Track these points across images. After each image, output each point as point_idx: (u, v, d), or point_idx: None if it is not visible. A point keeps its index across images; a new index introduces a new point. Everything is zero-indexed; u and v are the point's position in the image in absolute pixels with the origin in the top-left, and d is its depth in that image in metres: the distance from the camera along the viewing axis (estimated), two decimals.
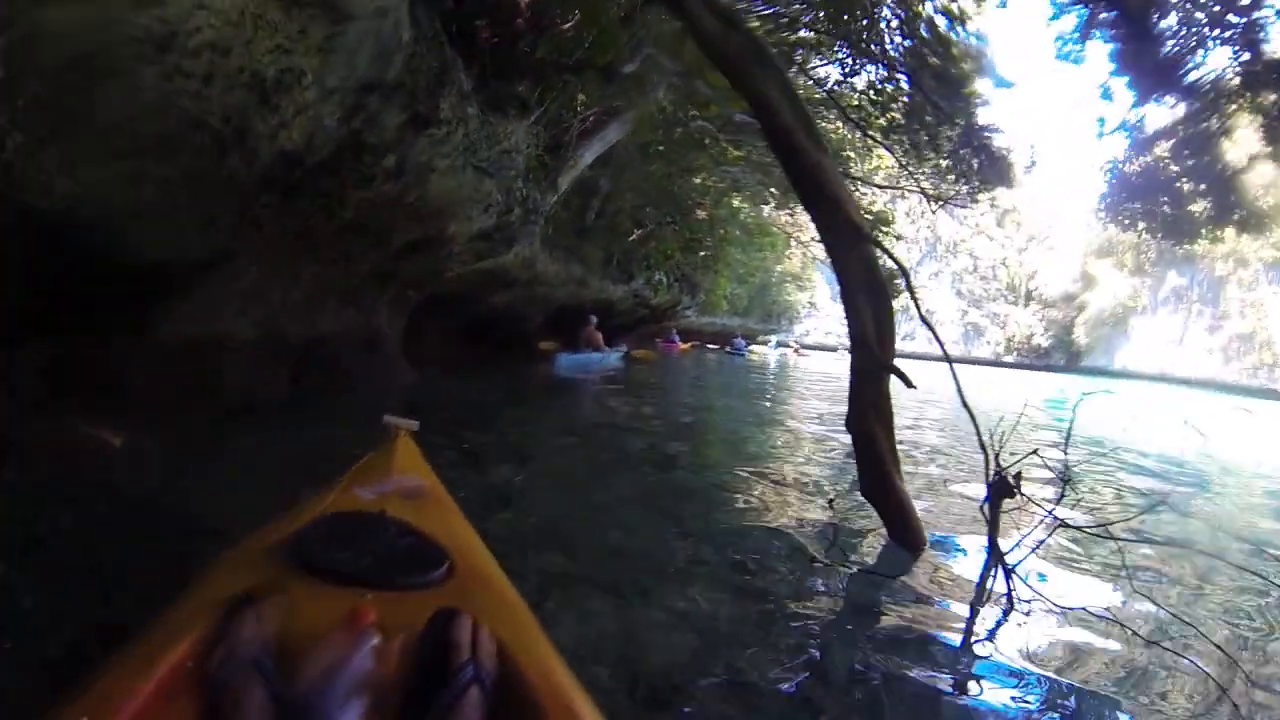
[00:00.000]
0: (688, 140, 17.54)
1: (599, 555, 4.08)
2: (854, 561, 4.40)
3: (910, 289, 5.52)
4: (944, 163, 17.68)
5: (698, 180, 20.94)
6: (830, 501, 5.83)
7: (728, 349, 39.49)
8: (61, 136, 4.06)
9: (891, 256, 5.32)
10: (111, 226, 4.99)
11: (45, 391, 5.27)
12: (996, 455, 4.34)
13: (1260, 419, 20.32)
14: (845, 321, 4.85)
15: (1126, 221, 27.70)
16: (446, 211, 8.35)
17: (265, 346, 7.35)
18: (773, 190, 23.36)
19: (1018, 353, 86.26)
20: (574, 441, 7.95)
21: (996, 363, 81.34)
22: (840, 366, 32.78)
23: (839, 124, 17.82)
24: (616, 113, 12.93)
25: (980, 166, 16.94)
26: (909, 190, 20.07)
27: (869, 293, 4.69)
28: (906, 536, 4.67)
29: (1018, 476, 4.28)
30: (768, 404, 14.89)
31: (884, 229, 25.29)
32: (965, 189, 18.16)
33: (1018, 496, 4.28)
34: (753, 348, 45.80)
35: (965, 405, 4.56)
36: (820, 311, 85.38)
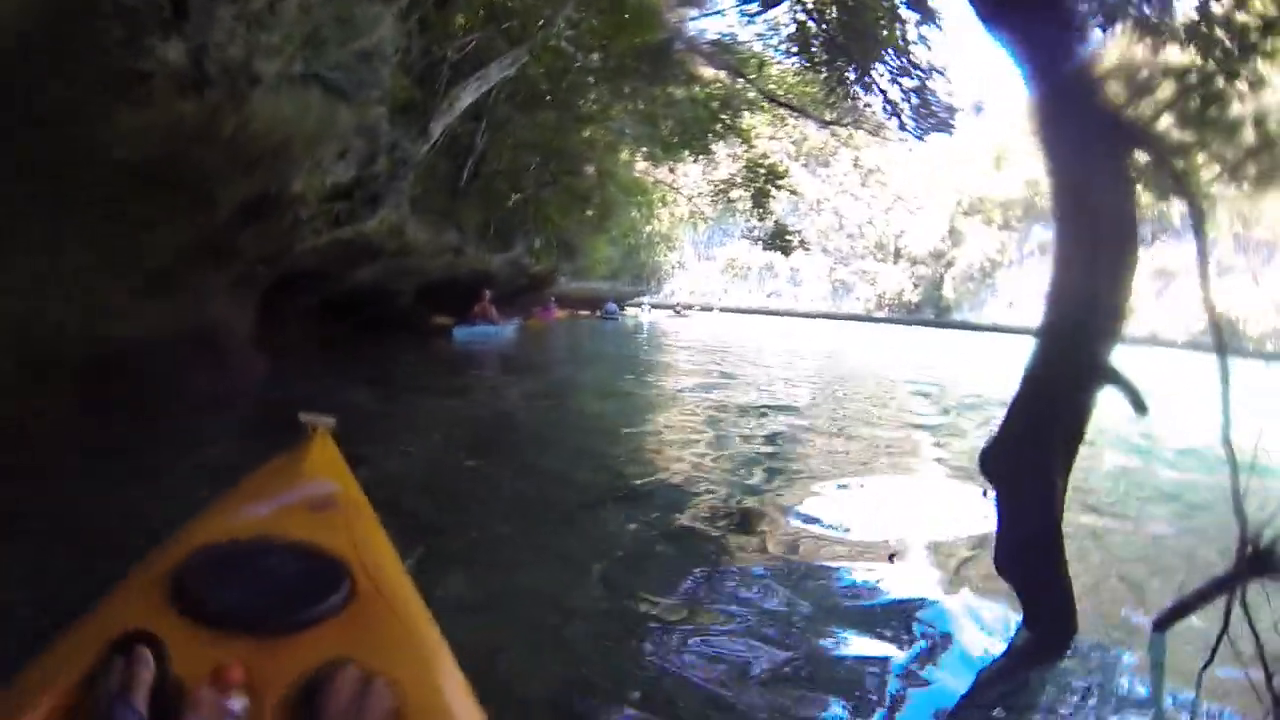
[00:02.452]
0: (579, 86, 15.85)
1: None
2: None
3: (1203, 255, 3.15)
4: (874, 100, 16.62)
5: (586, 133, 19.11)
6: (891, 557, 3.99)
7: (599, 314, 37.81)
8: None
9: (1192, 201, 2.92)
10: None
11: None
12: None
13: None
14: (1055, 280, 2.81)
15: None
16: (288, 153, 5.92)
17: (14, 362, 4.93)
18: (642, 150, 21.95)
19: (888, 308, 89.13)
20: (476, 467, 5.61)
21: (868, 318, 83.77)
22: (723, 328, 31.84)
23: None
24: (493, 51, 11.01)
25: (917, 109, 15.71)
26: (843, 124, 18.58)
27: (1114, 242, 2.62)
28: (1054, 628, 2.96)
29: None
30: (687, 381, 12.77)
31: (777, 183, 24.02)
32: (905, 126, 16.81)
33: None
34: (626, 311, 44.30)
35: (1228, 445, 2.58)
36: (687, 270, 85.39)
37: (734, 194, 25.43)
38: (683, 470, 5.60)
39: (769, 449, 6.69)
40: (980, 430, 7.78)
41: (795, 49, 16.22)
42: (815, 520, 4.49)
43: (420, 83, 9.12)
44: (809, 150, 79.06)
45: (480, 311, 18.44)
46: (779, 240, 25.55)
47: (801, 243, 27.89)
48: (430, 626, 1.68)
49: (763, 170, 23.96)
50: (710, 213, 35.34)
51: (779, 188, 24.40)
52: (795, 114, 19.61)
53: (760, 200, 24.02)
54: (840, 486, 5.45)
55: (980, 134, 73.38)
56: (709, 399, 9.49)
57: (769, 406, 9.05)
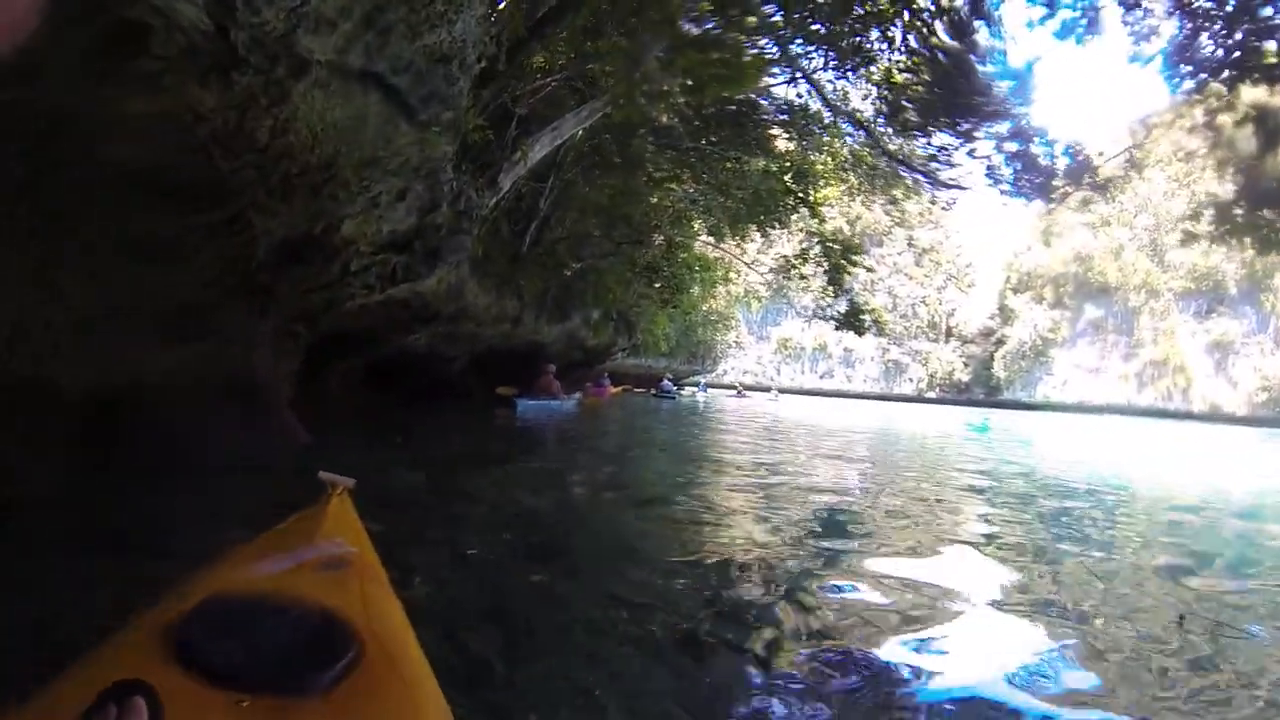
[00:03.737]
0: (646, 150, 15.16)
1: None
2: None
3: None
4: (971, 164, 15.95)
5: (655, 199, 18.40)
6: None
7: (655, 392, 36.42)
8: None
9: None
10: None
11: None
12: None
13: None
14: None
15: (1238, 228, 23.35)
16: (335, 178, 4.93)
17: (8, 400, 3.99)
18: (708, 223, 21.25)
19: (940, 388, 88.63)
20: (545, 582, 4.51)
21: (919, 398, 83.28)
22: (783, 410, 30.65)
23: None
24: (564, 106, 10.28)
25: (1020, 174, 14.89)
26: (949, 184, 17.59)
27: None
28: None
29: None
30: (759, 472, 11.16)
31: (853, 257, 23.12)
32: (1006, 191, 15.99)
33: None
34: (682, 390, 43.17)
35: None
36: (743, 350, 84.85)
37: (806, 270, 24.41)
38: (777, 593, 4.45)
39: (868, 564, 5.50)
40: None
41: (886, 115, 15.44)
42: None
43: (493, 128, 8.25)
44: (864, 228, 78.71)
45: (544, 385, 18.28)
46: (853, 319, 24.51)
47: (875, 322, 26.85)
48: (437, 697, 1.62)
49: (837, 246, 23.07)
50: (765, 291, 34.74)
51: (853, 264, 23.47)
52: (910, 172, 18.57)
53: (836, 277, 23.04)
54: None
55: (1028, 207, 73.28)
56: (792, 494, 8.33)
57: (852, 510, 7.86)
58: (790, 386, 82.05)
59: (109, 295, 4.26)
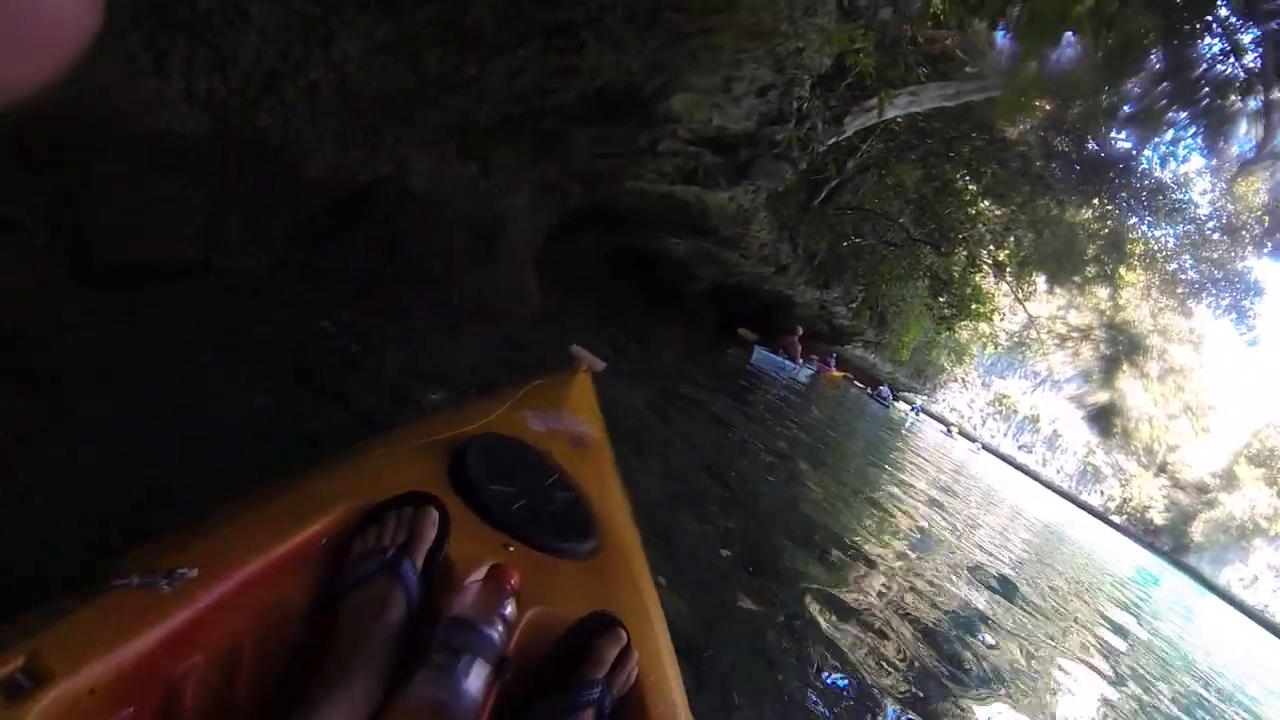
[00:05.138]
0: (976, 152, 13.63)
1: None
2: None
3: None
4: None
5: (973, 210, 16.77)
6: None
7: (870, 392, 35.21)
8: None
9: None
10: None
11: None
12: None
13: None
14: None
15: None
16: (712, 32, 3.67)
17: (235, 163, 3.15)
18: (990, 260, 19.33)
19: (1127, 517, 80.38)
20: (759, 614, 3.48)
21: (1103, 516, 75.72)
22: (989, 472, 28.62)
23: None
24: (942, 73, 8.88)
25: None
26: None
27: None
28: None
29: None
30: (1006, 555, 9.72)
31: (1133, 357, 20.75)
32: None
33: None
34: (898, 403, 41.38)
35: None
36: (965, 388, 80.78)
37: (1083, 350, 22.13)
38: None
39: None
40: None
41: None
42: None
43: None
44: (1125, 321, 72.09)
45: (787, 344, 17.96)
46: (1107, 419, 22.18)
47: (1125, 433, 24.33)
48: (655, 597, 1.60)
49: (1122, 338, 20.75)
50: (1005, 341, 32.52)
51: (1133, 364, 21.07)
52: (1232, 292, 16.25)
53: (1109, 368, 20.77)
54: None
55: None
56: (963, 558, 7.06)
57: None
58: (989, 444, 78.00)
59: (385, 75, 3.30)
